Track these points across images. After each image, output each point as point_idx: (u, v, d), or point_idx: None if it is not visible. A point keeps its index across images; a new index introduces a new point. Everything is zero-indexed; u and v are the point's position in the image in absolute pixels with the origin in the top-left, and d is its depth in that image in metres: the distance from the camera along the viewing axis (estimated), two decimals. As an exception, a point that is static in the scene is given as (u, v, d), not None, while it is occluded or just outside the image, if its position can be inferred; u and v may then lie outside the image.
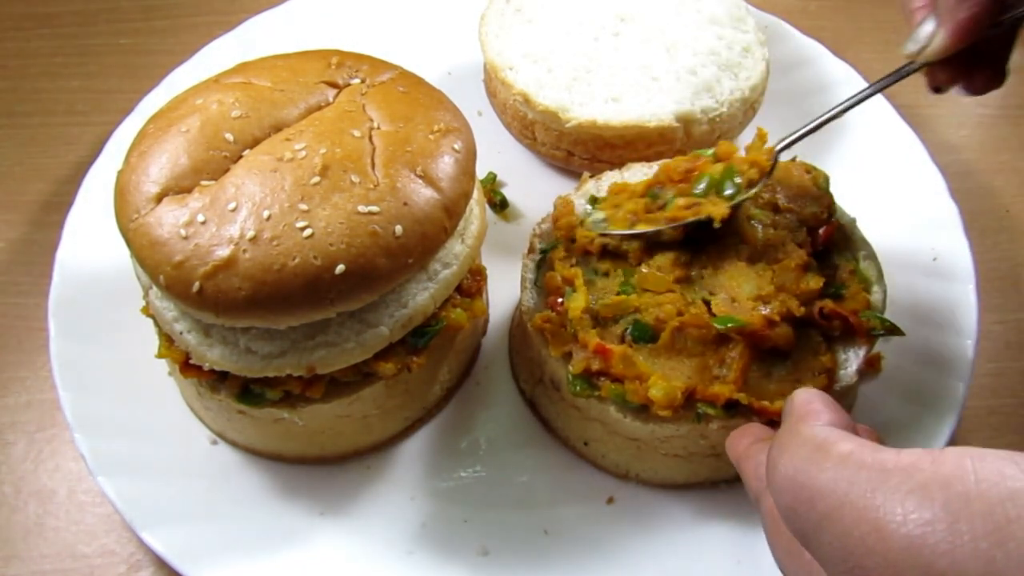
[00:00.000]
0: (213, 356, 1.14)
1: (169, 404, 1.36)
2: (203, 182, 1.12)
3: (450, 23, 1.84)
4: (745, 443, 1.05)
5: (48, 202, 1.68)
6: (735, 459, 1.07)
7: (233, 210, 1.07)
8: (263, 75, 1.24)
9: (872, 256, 1.29)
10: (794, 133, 1.28)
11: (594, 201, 1.36)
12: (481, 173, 1.31)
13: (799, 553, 0.82)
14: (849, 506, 0.73)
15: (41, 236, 1.61)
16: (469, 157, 1.21)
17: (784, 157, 1.30)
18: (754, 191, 1.25)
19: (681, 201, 1.26)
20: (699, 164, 1.31)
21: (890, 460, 0.74)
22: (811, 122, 1.26)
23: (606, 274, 1.26)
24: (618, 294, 1.23)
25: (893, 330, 1.21)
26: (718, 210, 1.22)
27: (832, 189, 1.35)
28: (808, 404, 0.92)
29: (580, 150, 1.58)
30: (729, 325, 1.16)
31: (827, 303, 1.20)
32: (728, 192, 1.26)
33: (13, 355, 1.48)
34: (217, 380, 1.21)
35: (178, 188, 1.12)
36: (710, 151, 1.34)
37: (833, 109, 1.25)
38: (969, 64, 1.15)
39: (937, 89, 1.19)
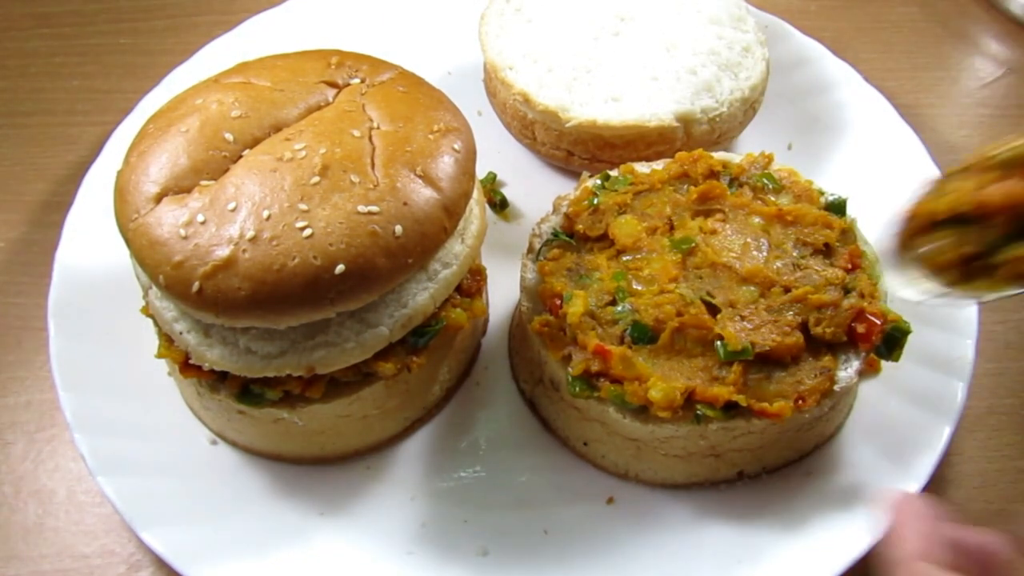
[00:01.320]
0: (213, 356, 1.14)
1: (169, 404, 1.35)
2: (203, 182, 1.12)
3: (450, 23, 1.84)
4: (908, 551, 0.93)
5: (48, 202, 1.68)
6: (891, 560, 0.94)
7: (233, 210, 1.07)
8: (263, 75, 1.24)
9: (873, 256, 1.29)
10: None
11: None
12: (481, 173, 1.31)
13: None
14: None
15: (41, 236, 1.61)
16: (469, 157, 1.21)
17: (787, 159, 1.27)
18: None
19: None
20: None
21: None
22: None
23: (597, 271, 1.26)
24: (613, 292, 1.23)
25: (901, 332, 1.20)
26: None
27: (833, 189, 1.35)
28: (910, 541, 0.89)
29: (580, 150, 1.58)
30: (740, 352, 1.15)
31: (868, 308, 1.18)
32: None
33: (13, 355, 1.48)
34: (217, 380, 1.21)
35: (178, 188, 1.12)
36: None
37: None
38: None
39: None
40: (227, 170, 1.13)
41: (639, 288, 1.23)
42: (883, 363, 1.35)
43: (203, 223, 1.07)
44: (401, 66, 1.31)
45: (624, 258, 1.27)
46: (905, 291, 1.08)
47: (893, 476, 1.26)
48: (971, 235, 1.01)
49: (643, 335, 1.19)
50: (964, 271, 1.02)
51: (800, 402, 1.15)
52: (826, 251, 1.26)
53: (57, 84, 1.88)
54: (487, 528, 1.26)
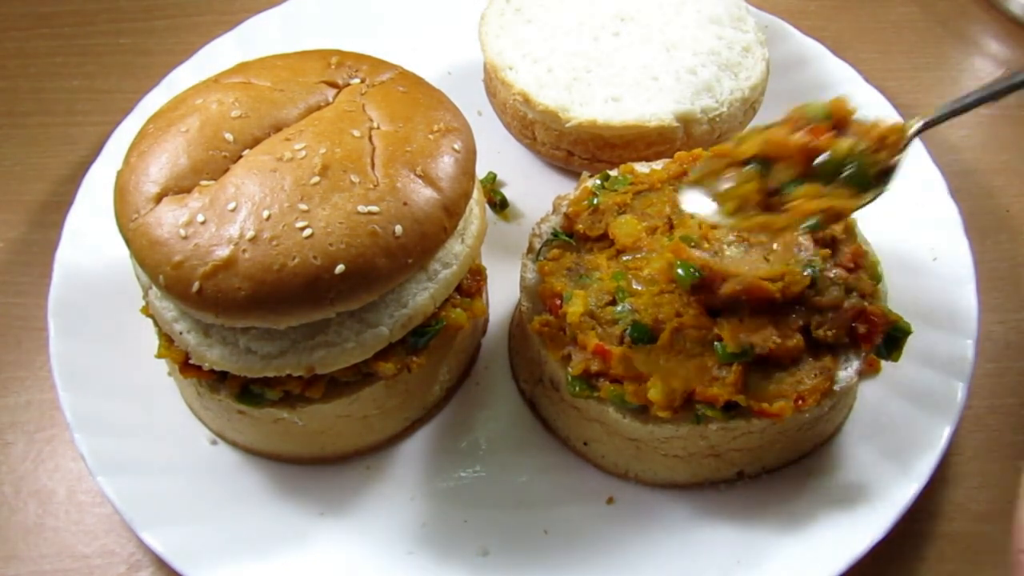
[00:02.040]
0: (213, 356, 1.14)
1: (169, 404, 1.36)
2: (203, 182, 1.12)
3: (450, 23, 1.84)
4: None
5: (48, 202, 1.68)
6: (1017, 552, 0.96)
7: (233, 210, 1.07)
8: (263, 75, 1.24)
9: (874, 256, 1.29)
10: (936, 113, 1.16)
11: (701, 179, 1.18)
12: (481, 173, 1.31)
13: None
14: None
15: (41, 236, 1.61)
16: (469, 157, 1.21)
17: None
18: (887, 186, 1.13)
19: (804, 191, 1.11)
20: (819, 135, 1.13)
21: None
22: (957, 102, 1.14)
23: (597, 270, 1.26)
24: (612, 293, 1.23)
25: (902, 333, 1.20)
26: (847, 206, 1.10)
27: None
28: None
29: (580, 150, 1.58)
30: (740, 354, 1.15)
31: (869, 309, 1.18)
32: (849, 174, 1.11)
33: (12, 355, 1.48)
34: (217, 380, 1.21)
35: (178, 188, 1.12)
36: (819, 109, 1.15)
37: (984, 91, 1.12)
38: None
39: None
40: (227, 170, 1.13)
41: (639, 288, 1.23)
42: (883, 363, 1.35)
43: (203, 223, 1.07)
44: (401, 66, 1.31)
45: (624, 258, 1.27)
46: (697, 209, 1.16)
47: (893, 476, 1.26)
48: (770, 174, 1.13)
49: (643, 335, 1.18)
50: (763, 204, 1.12)
51: (800, 402, 1.15)
52: (827, 251, 1.26)
53: (57, 84, 1.88)
54: (487, 528, 1.26)
